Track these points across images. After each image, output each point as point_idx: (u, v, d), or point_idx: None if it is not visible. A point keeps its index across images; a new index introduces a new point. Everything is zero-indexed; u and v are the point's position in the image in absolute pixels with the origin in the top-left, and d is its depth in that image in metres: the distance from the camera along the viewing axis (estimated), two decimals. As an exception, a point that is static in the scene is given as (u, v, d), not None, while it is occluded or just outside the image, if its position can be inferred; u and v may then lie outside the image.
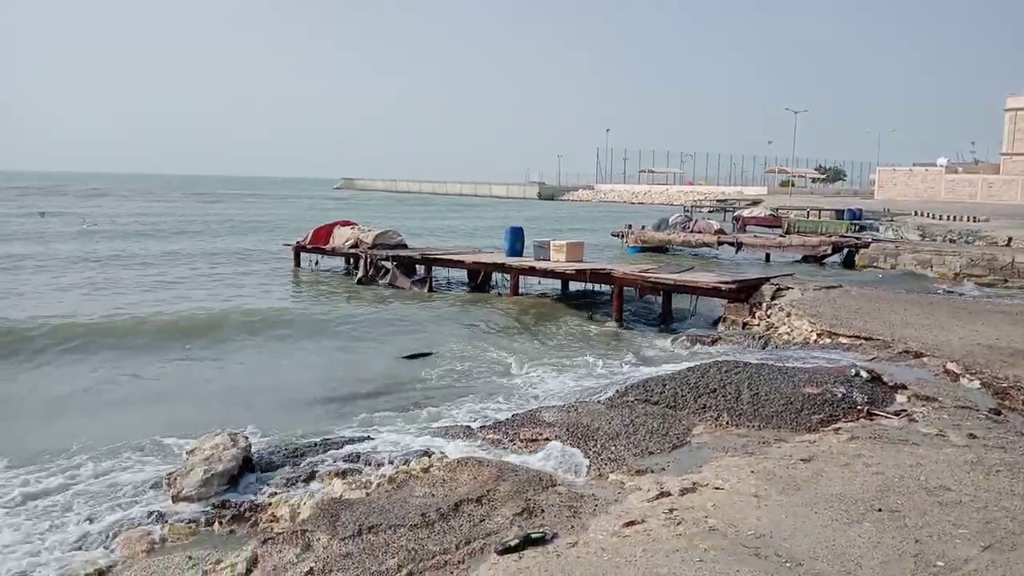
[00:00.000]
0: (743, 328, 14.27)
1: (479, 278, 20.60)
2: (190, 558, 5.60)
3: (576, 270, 17.50)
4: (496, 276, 20.37)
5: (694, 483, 6.33)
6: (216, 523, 6.21)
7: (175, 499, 6.56)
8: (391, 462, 7.32)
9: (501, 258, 19.96)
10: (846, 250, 29.31)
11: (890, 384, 9.10)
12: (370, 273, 21.59)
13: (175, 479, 6.71)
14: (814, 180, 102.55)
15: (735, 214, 45.97)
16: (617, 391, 9.19)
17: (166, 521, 6.23)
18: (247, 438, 7.40)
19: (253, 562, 5.26)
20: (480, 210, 70.04)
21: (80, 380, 10.99)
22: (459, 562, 5.28)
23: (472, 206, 79.56)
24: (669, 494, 6.13)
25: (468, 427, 8.51)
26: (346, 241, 22.76)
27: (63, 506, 6.64)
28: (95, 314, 15.29)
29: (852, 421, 7.99)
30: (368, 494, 6.39)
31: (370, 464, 7.32)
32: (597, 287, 18.00)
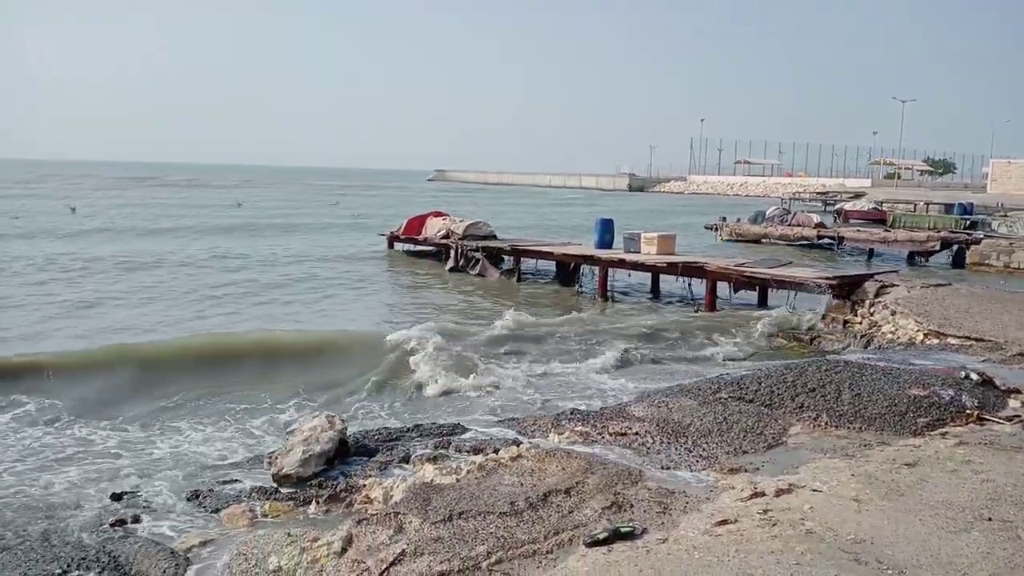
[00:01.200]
0: (844, 326, 13.76)
1: (568, 270, 20.57)
2: (289, 535, 5.81)
3: (667, 263, 17.23)
4: (584, 268, 20.29)
5: (790, 484, 6.15)
6: (313, 502, 6.43)
7: (275, 477, 6.82)
8: (480, 450, 7.41)
9: (590, 250, 19.84)
10: (956, 246, 27.71)
11: (1003, 388, 8.61)
12: (460, 263, 21.89)
13: (276, 458, 6.98)
14: (921, 172, 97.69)
15: (836, 207, 44.23)
16: (710, 388, 9.01)
17: (267, 497, 6.49)
18: (343, 421, 7.62)
19: (348, 541, 5.42)
20: (569, 201, 69.86)
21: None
22: (548, 552, 5.30)
23: (560, 197, 79.36)
24: (763, 494, 5.98)
25: (557, 418, 8.51)
26: (438, 231, 23.12)
27: (174, 477, 7.00)
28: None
29: (960, 426, 7.60)
30: (458, 480, 6.48)
31: (460, 451, 7.43)
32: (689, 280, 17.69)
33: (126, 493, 6.71)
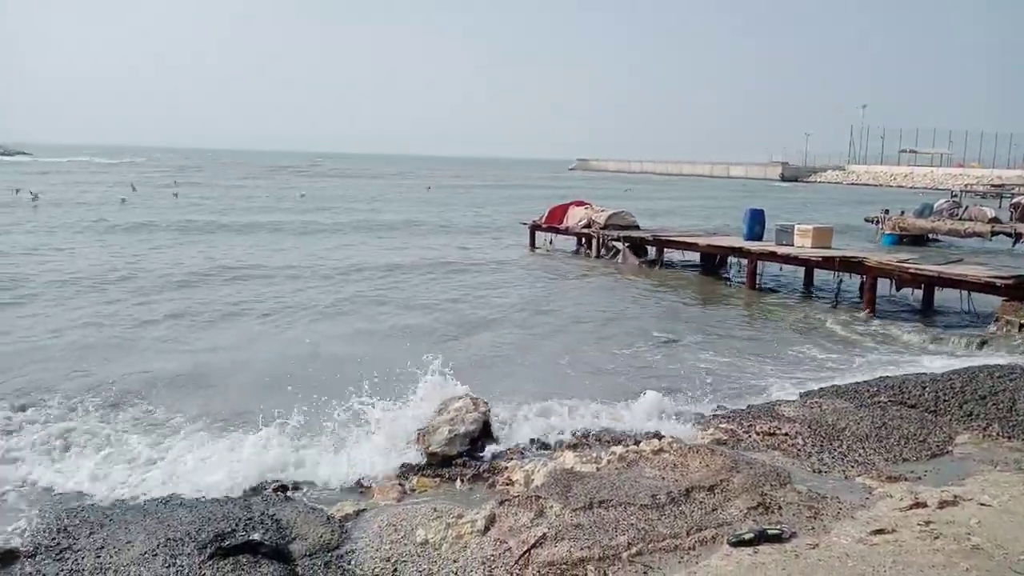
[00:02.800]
0: (1020, 330, 12.61)
1: (713, 262, 20.04)
2: (435, 510, 6.03)
3: (823, 257, 16.41)
4: (731, 260, 19.69)
5: (955, 496, 5.75)
6: (458, 480, 6.63)
7: (423, 453, 7.09)
8: (621, 441, 7.38)
9: (738, 241, 19.22)
10: None
11: None
12: (601, 253, 21.81)
13: (423, 435, 7.26)
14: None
15: (1014, 201, 40.44)
16: (867, 390, 8.54)
17: (415, 473, 6.76)
18: (487, 403, 7.80)
19: (491, 521, 5.57)
20: (715, 191, 67.88)
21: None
22: (690, 548, 5.23)
23: (708, 187, 77.25)
24: (925, 505, 5.62)
25: (701, 414, 8.34)
26: (579, 221, 23.12)
27: (329, 447, 7.41)
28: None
29: None
30: (599, 469, 6.49)
31: (601, 440, 7.44)
32: (846, 276, 16.78)
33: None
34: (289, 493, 6.40)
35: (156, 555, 5.13)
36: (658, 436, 7.42)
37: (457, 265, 20.81)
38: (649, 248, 21.17)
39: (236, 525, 5.52)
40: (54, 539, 5.46)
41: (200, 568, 4.93)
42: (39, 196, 36.76)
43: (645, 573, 4.93)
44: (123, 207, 35.14)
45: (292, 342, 11.84)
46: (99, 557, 5.17)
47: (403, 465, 6.98)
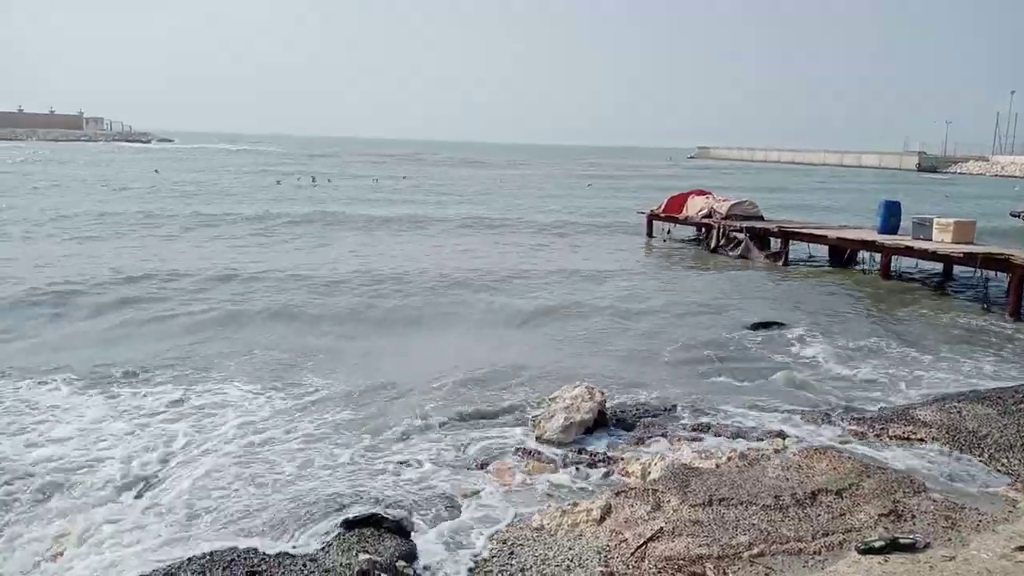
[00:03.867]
0: None
1: (843, 256, 19.11)
2: (549, 495, 6.08)
3: (964, 253, 15.33)
4: (863, 255, 18.71)
5: (1116, 517, 5.28)
6: (573, 467, 6.63)
7: (538, 440, 7.14)
8: (742, 437, 7.18)
9: (871, 235, 18.22)
10: None
11: None
12: (721, 243, 21.21)
13: (539, 422, 7.30)
14: None
15: None
16: (1013, 397, 7.95)
17: (530, 458, 6.81)
18: (603, 393, 7.76)
19: (607, 511, 5.54)
20: (845, 182, 64.66)
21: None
22: (815, 552, 5.04)
23: (837, 177, 73.71)
24: (1080, 524, 5.19)
25: (827, 414, 7.99)
26: (699, 211, 22.55)
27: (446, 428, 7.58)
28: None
29: None
30: (718, 466, 6.34)
31: (720, 436, 7.26)
32: (991, 275, 15.64)
33: (410, 436, 7.38)
34: (411, 469, 6.57)
35: (287, 527, 5.39)
36: (782, 435, 7.17)
37: (569, 250, 20.74)
38: (773, 240, 20.42)
39: (361, 499, 5.73)
40: (188, 502, 5.85)
41: (326, 538, 5.15)
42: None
43: (767, 575, 4.78)
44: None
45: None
46: (234, 530, 5.49)
47: (519, 450, 7.04)
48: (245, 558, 4.82)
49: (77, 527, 5.36)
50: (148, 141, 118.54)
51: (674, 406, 8.22)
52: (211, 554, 4.83)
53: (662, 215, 24.15)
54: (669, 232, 24.31)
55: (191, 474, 6.31)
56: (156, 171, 49.18)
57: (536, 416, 7.43)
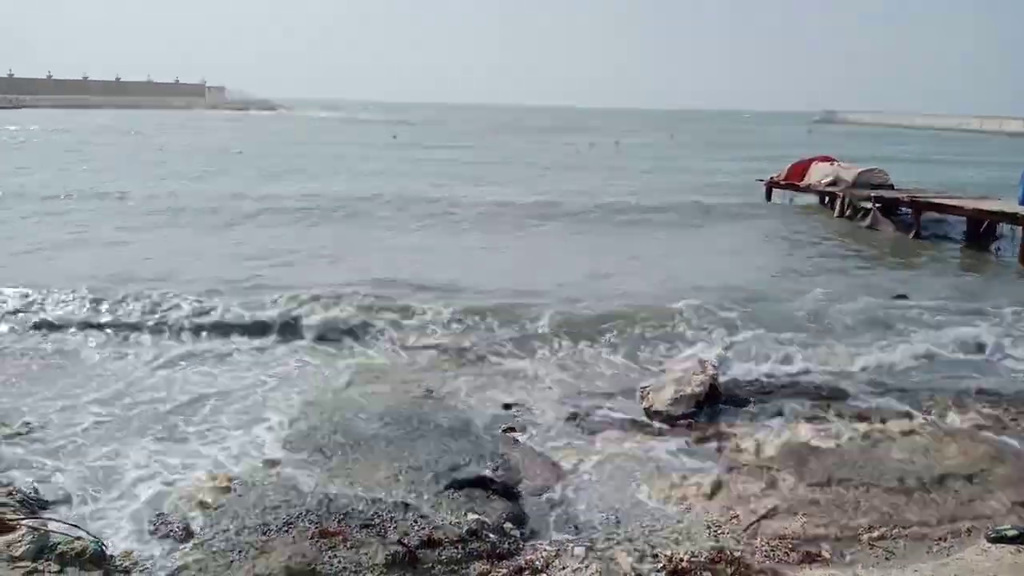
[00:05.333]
0: None
1: (980, 229, 17.81)
2: (658, 468, 6.01)
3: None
4: (1003, 228, 17.37)
5: None
6: (682, 440, 6.53)
7: (647, 411, 7.06)
8: (865, 418, 6.86)
9: (1013, 206, 16.88)
10: None
11: None
12: (847, 214, 20.18)
13: (648, 393, 7.21)
14: None
15: None
16: None
17: (638, 429, 6.75)
18: (715, 367, 7.58)
19: (718, 486, 5.44)
20: (993, 149, 59.88)
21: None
22: (940, 539, 4.79)
23: (981, 143, 68.41)
24: None
25: (959, 396, 7.52)
26: (824, 178, 21.49)
27: (554, 397, 7.61)
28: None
29: None
30: (838, 445, 6.09)
31: (840, 416, 6.96)
32: None
33: (515, 404, 7.47)
34: (516, 434, 6.66)
35: (399, 479, 5.58)
36: (908, 416, 6.81)
37: (685, 223, 20.22)
38: (904, 211, 19.24)
39: (470, 460, 5.85)
40: (311, 455, 6.13)
41: (437, 496, 5.29)
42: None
43: (887, 559, 4.58)
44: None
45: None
46: (350, 476, 5.72)
47: (626, 420, 7.00)
48: (360, 510, 4.99)
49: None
50: (274, 109, 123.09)
51: (793, 382, 7.95)
52: (331, 499, 5.02)
53: (782, 183, 23.19)
54: (791, 202, 23.33)
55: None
56: (394, 136, 52.74)
57: (646, 387, 7.34)
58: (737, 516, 5.06)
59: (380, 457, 6.03)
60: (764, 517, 4.99)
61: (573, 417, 7.11)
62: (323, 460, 6.02)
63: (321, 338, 9.29)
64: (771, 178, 23.96)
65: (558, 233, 17.75)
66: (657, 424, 6.89)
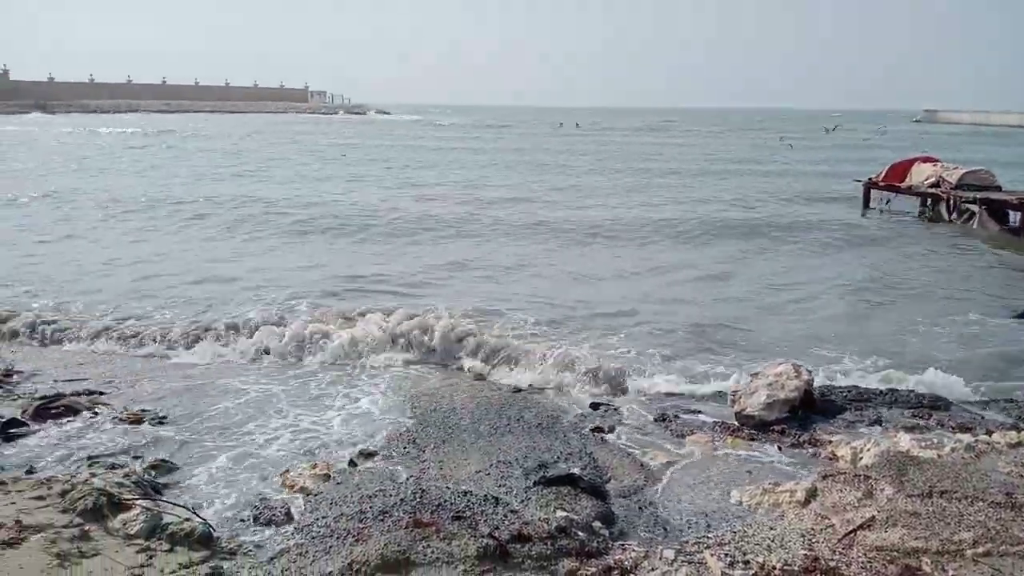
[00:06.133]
0: None
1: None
2: (750, 473, 5.92)
3: None
4: None
5: None
6: (774, 446, 6.41)
7: (738, 415, 6.96)
8: (968, 429, 6.58)
9: None
10: None
11: None
12: (952, 217, 19.31)
13: (739, 396, 7.10)
14: None
15: None
16: None
17: (729, 433, 6.66)
18: (810, 372, 7.40)
19: (812, 494, 5.32)
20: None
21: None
22: (1053, 559, 4.55)
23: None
24: None
25: (1075, 408, 7.13)
26: (926, 179, 20.63)
27: (643, 400, 7.58)
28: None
29: None
30: (940, 456, 5.86)
31: (943, 425, 6.70)
32: None
33: (603, 404, 7.49)
34: (605, 434, 6.67)
35: (489, 474, 5.67)
36: (1016, 428, 6.49)
37: (775, 226, 19.69)
38: (1012, 214, 18.28)
39: (558, 458, 5.90)
40: (405, 448, 6.30)
41: (526, 492, 5.35)
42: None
43: (993, 577, 4.39)
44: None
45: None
46: (441, 469, 5.86)
47: (716, 424, 6.91)
48: (452, 502, 5.09)
49: (307, 462, 5.96)
50: (364, 112, 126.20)
51: (892, 391, 7.67)
52: (424, 491, 5.15)
53: (881, 184, 22.36)
54: (888, 203, 22.47)
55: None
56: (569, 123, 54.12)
57: (737, 391, 7.23)
58: (832, 525, 4.95)
59: (470, 452, 6.15)
60: (861, 527, 4.85)
61: (662, 418, 7.08)
62: (416, 452, 6.18)
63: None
64: (870, 179, 23.13)
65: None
66: (748, 429, 6.78)
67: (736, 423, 6.91)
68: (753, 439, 6.59)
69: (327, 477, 5.62)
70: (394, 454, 6.18)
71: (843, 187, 26.06)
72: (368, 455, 6.13)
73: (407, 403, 7.42)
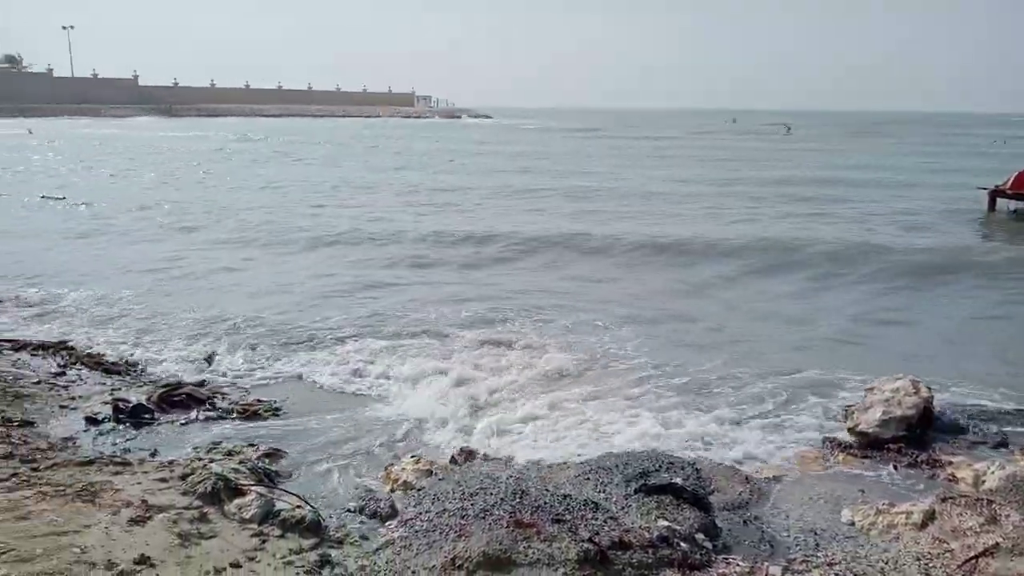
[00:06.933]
0: None
1: None
2: (862, 492, 5.67)
3: None
4: None
5: None
6: (890, 465, 6.12)
7: (850, 431, 6.67)
8: (1108, 455, 6.09)
9: None
10: None
11: None
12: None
13: (852, 412, 6.81)
14: None
15: None
16: None
17: (841, 449, 6.40)
18: (929, 389, 7.02)
19: (930, 517, 5.04)
20: None
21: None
22: None
23: None
24: None
25: None
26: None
27: (742, 407, 7.37)
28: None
29: None
30: (1075, 484, 5.45)
31: (1079, 451, 6.23)
32: None
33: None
34: (709, 445, 6.52)
35: (588, 479, 5.64)
36: None
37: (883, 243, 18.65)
38: None
39: (659, 467, 5.81)
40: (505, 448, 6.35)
41: (626, 499, 5.30)
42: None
43: None
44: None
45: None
46: (541, 472, 5.87)
47: (827, 440, 6.65)
48: (551, 504, 5.09)
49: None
50: (460, 116, 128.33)
51: (1018, 409, 7.20)
52: (524, 492, 5.18)
53: (1009, 191, 20.98)
54: (1015, 211, 21.06)
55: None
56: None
57: (850, 407, 6.94)
58: (951, 551, 4.68)
59: (570, 454, 6.15)
60: (983, 554, 4.57)
61: (768, 431, 6.87)
62: (518, 452, 6.23)
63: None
64: (996, 187, 21.74)
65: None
66: (862, 445, 6.49)
67: (848, 439, 6.62)
68: (866, 457, 6.31)
69: (429, 473, 5.74)
70: (494, 453, 6.25)
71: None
72: (469, 453, 6.22)
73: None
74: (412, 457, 6.06)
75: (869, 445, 6.47)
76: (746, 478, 5.88)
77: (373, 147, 52.39)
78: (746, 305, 11.74)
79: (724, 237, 17.02)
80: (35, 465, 5.57)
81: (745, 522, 5.20)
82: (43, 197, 22.02)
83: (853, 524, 5.15)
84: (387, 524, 5.04)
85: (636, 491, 5.41)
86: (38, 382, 7.57)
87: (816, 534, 5.03)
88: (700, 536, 4.86)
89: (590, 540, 4.54)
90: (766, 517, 5.29)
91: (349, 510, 5.27)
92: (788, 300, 12.18)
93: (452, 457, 6.12)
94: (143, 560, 4.18)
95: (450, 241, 16.65)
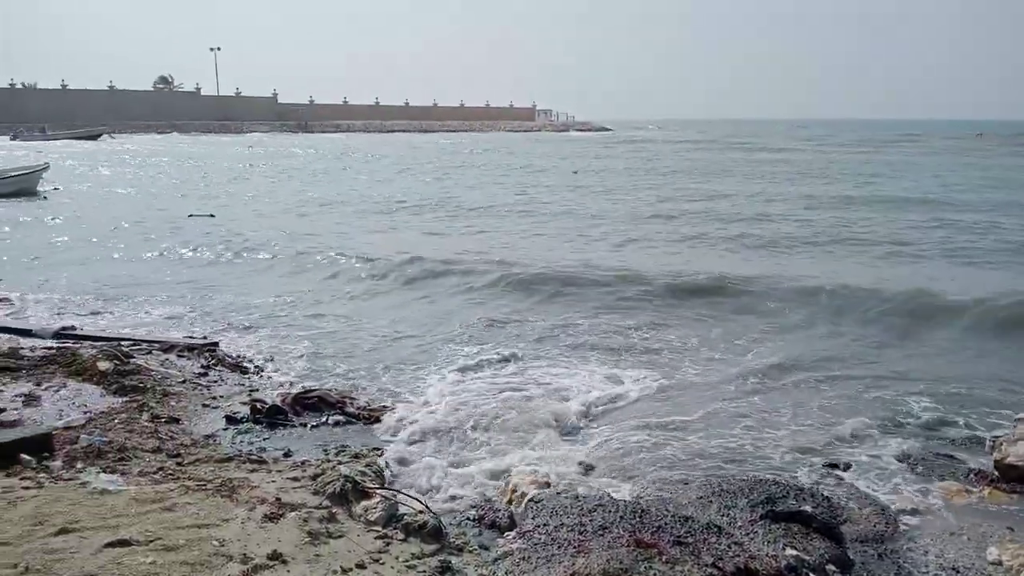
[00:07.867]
0: None
1: None
2: (1011, 529, 5.26)
3: None
4: None
5: None
6: (1042, 503, 5.64)
7: (997, 464, 6.19)
8: None
9: None
10: None
11: None
12: None
13: (1001, 444, 6.33)
14: None
15: None
16: None
17: (987, 483, 5.96)
18: (1091, 421, 6.45)
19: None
20: None
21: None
22: None
23: None
24: None
25: None
26: None
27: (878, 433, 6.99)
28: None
29: None
30: None
31: None
32: None
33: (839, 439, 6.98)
34: (840, 473, 6.22)
35: (711, 502, 5.49)
36: None
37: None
38: None
39: (787, 493, 5.58)
40: (622, 463, 6.27)
41: (751, 525, 5.12)
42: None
43: None
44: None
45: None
46: (660, 491, 5.77)
47: (971, 472, 6.21)
48: (672, 526, 4.98)
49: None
50: (587, 130, 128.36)
51: None
52: (644, 511, 5.10)
53: None
54: None
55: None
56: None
57: (998, 438, 6.46)
58: (1118, 601, 4.26)
59: (691, 476, 6.01)
60: None
61: (906, 458, 6.48)
62: (635, 470, 6.15)
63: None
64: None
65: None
66: (1010, 479, 6.02)
67: (995, 473, 6.16)
68: (1015, 492, 5.84)
69: (547, 486, 5.74)
70: (613, 469, 6.19)
71: None
72: (588, 468, 6.19)
73: (627, 417, 7.39)
74: (530, 468, 6.09)
75: (1018, 479, 5.99)
76: (882, 509, 5.56)
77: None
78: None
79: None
80: (180, 460, 5.97)
81: (880, 556, 4.92)
82: (191, 216, 22.99)
83: (1000, 564, 4.77)
84: (505, 535, 5.08)
85: (762, 517, 5.22)
86: (183, 381, 8.10)
87: (958, 572, 4.70)
88: (831, 567, 4.65)
89: (714, 565, 4.42)
90: (903, 551, 4.99)
91: (469, 519, 5.35)
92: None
93: (571, 471, 6.11)
94: (275, 556, 4.38)
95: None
